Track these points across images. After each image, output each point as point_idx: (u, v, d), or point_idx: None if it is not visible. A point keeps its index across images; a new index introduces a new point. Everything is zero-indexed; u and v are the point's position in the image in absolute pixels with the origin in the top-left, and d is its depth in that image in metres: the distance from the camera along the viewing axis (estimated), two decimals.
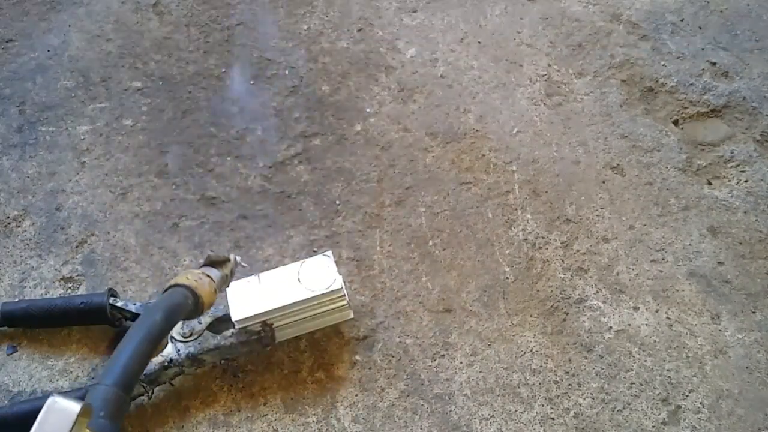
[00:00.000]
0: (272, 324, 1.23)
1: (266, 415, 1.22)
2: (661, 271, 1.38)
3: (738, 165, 1.54)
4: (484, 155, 1.58)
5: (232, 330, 1.23)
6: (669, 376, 1.24)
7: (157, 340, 0.99)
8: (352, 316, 1.29)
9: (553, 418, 1.20)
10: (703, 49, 1.77)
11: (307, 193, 1.53)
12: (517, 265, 1.40)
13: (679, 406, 1.21)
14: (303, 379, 1.26)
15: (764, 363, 1.25)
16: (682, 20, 1.83)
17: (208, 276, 1.12)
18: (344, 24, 1.87)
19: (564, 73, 1.74)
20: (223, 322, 1.24)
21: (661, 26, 1.82)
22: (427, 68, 1.76)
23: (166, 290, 1.07)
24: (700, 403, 1.21)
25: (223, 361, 1.27)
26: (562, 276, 1.38)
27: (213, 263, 1.18)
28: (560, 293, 1.36)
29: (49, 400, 0.78)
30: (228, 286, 1.20)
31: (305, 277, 1.24)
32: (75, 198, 1.53)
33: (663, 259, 1.40)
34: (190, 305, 1.05)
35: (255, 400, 1.24)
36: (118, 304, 1.26)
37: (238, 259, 1.23)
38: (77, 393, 1.17)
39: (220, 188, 1.54)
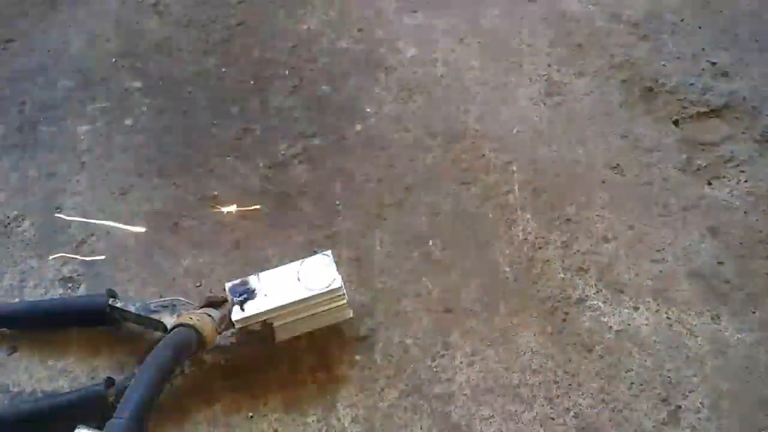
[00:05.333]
0: (272, 323, 1.23)
1: (266, 415, 1.22)
2: (661, 271, 1.38)
3: (738, 165, 1.54)
4: (484, 155, 1.58)
5: (232, 330, 1.23)
6: (669, 376, 1.24)
7: (166, 376, 1.11)
8: (351, 315, 1.29)
9: (553, 418, 1.20)
10: (703, 49, 1.76)
11: (307, 193, 1.53)
12: (517, 265, 1.40)
13: (679, 406, 1.20)
14: (303, 379, 1.26)
15: (764, 363, 1.25)
16: (682, 20, 1.83)
17: (210, 316, 1.20)
18: (344, 24, 1.87)
19: (564, 73, 1.74)
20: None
21: (661, 26, 1.82)
22: (427, 68, 1.76)
23: (172, 329, 1.17)
24: (700, 403, 1.21)
25: (223, 361, 1.27)
26: (562, 276, 1.38)
27: (212, 303, 1.24)
28: (560, 293, 1.35)
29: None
30: (226, 324, 1.23)
31: (305, 276, 1.24)
32: (75, 198, 1.53)
33: (663, 259, 1.40)
34: (195, 343, 1.16)
35: (255, 400, 1.23)
36: (118, 305, 1.26)
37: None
38: (77, 393, 1.17)
39: (220, 188, 1.54)
